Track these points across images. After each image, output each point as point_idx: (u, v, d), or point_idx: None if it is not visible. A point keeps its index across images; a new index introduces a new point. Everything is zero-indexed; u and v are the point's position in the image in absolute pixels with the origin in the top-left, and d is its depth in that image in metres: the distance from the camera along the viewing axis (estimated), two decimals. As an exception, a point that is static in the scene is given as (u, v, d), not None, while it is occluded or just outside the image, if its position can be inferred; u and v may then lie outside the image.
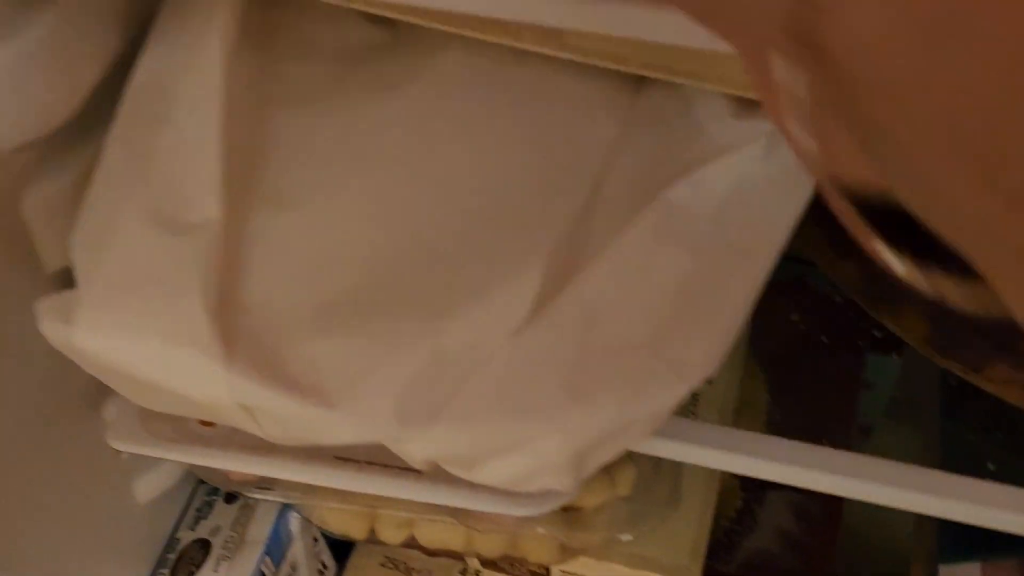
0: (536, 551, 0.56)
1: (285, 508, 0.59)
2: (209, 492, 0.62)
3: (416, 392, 0.34)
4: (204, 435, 0.44)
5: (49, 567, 0.49)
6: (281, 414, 0.35)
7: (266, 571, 0.58)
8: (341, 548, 0.65)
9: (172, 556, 0.59)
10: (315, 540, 0.63)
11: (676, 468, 0.51)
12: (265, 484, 0.50)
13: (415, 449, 0.35)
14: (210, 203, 0.37)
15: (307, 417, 0.34)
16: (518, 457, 0.35)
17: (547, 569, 0.58)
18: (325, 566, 0.64)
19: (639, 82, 0.40)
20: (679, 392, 0.35)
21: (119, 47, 0.45)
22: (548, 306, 0.35)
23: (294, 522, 0.60)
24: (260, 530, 0.59)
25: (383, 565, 0.64)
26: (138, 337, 0.35)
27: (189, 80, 0.40)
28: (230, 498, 0.61)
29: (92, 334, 0.35)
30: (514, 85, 0.41)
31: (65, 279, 0.46)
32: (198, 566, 0.58)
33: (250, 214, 0.38)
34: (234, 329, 0.35)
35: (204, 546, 0.59)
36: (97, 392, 0.50)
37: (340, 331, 0.35)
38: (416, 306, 0.35)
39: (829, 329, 0.63)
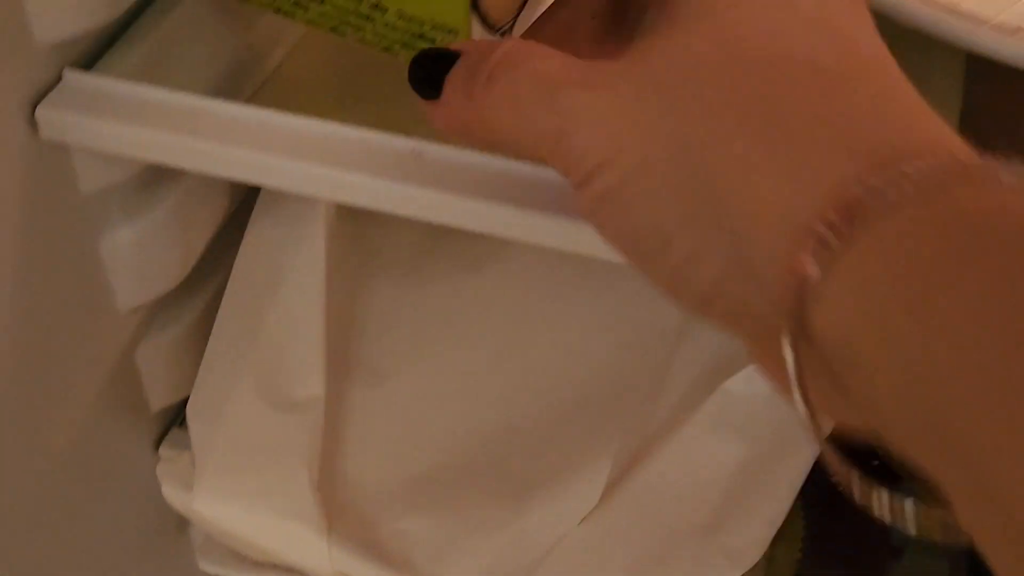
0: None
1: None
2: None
3: (497, 570, 0.38)
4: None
5: None
6: (374, 583, 0.39)
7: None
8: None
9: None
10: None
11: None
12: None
13: (494, 620, 0.39)
14: (314, 380, 0.41)
15: (399, 587, 0.39)
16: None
17: None
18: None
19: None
20: (732, 576, 0.39)
21: (229, 209, 0.49)
22: (615, 492, 0.40)
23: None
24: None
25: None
26: (251, 508, 0.39)
27: (295, 253, 0.44)
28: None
29: (209, 502, 0.40)
30: (585, 270, 0.45)
31: (166, 415, 0.50)
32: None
33: (347, 389, 0.42)
34: (335, 503, 0.39)
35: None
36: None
37: (429, 508, 0.40)
38: (499, 488, 0.40)
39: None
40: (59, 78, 0.39)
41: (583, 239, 0.35)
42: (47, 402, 0.42)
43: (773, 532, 0.40)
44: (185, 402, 0.53)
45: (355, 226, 0.45)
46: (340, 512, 0.39)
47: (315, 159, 0.36)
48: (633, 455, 0.40)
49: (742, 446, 0.41)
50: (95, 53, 0.40)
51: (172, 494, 0.40)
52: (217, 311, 0.50)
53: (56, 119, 0.38)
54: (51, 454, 0.44)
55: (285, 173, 0.37)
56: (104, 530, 0.49)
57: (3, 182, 0.37)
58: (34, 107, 0.38)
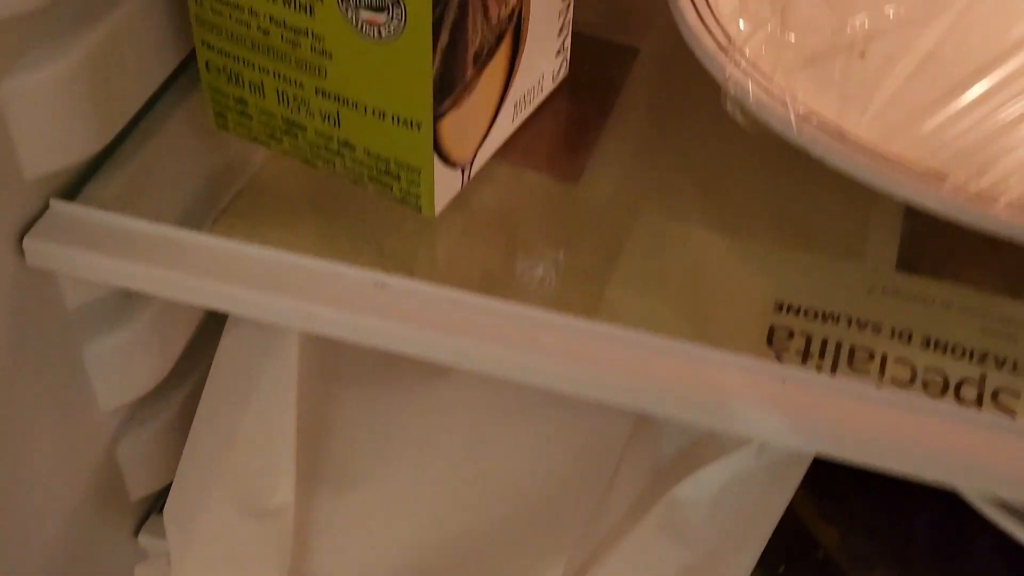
0: None
1: None
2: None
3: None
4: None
5: None
6: None
7: None
8: None
9: None
10: None
11: None
12: None
13: None
14: (286, 489, 0.43)
15: None
16: None
17: None
18: None
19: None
20: None
21: (205, 312, 0.52)
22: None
23: None
24: None
25: None
26: (225, 616, 0.42)
27: (268, 364, 0.46)
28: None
29: (186, 610, 0.42)
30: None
31: (145, 503, 0.53)
32: None
33: (316, 494, 0.45)
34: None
35: None
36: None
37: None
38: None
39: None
40: (44, 207, 0.41)
41: (546, 371, 0.38)
42: (31, 498, 0.45)
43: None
44: (164, 490, 0.55)
45: (319, 342, 0.48)
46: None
47: (283, 291, 0.39)
48: (584, 562, 0.43)
49: (685, 551, 0.43)
50: (78, 180, 0.43)
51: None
52: (194, 403, 0.53)
53: (42, 249, 0.40)
54: (34, 547, 0.46)
55: (257, 305, 0.39)
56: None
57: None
58: (21, 236, 0.40)
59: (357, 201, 0.43)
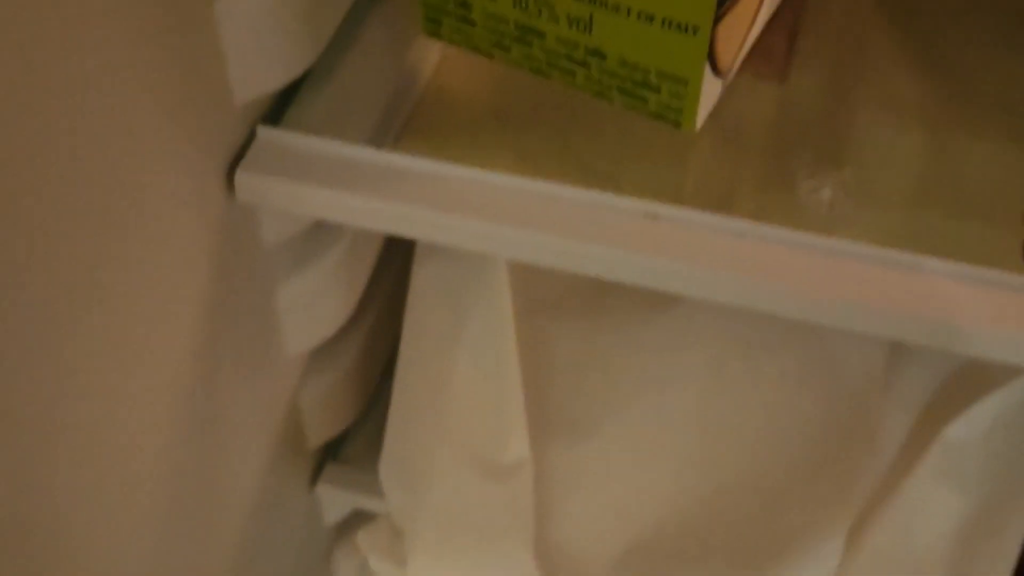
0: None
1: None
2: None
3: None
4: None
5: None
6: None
7: None
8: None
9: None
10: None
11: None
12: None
13: None
14: (520, 441, 0.39)
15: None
16: None
17: None
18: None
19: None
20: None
21: (380, 252, 0.47)
22: (850, 557, 0.38)
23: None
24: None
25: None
26: (472, 584, 0.38)
27: (478, 297, 0.41)
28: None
29: (427, 576, 0.38)
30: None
31: (318, 454, 0.49)
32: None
33: (548, 446, 0.40)
34: (552, 572, 0.38)
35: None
36: (331, 546, 0.53)
37: (652, 578, 0.38)
38: (727, 556, 0.38)
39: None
40: (250, 137, 0.36)
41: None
42: (222, 447, 0.41)
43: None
44: (337, 438, 0.51)
45: (526, 269, 0.43)
46: (559, 582, 0.38)
47: (538, 226, 0.34)
48: (859, 515, 0.38)
49: (964, 499, 0.39)
50: (278, 107, 0.37)
51: (382, 569, 0.38)
52: (371, 345, 0.48)
53: (253, 183, 0.35)
54: (227, 496, 0.42)
55: (495, 238, 0.34)
56: (263, 566, 0.48)
57: (199, 244, 0.35)
58: (229, 170, 0.35)
59: (543, 111, 0.38)
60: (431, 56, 0.40)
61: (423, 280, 0.43)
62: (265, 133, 0.36)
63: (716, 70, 0.35)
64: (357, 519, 0.50)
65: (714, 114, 0.37)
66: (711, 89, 0.36)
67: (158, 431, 0.35)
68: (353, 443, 0.51)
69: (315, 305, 0.43)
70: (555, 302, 0.43)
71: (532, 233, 0.34)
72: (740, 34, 0.36)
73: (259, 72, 0.34)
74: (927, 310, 0.32)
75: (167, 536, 0.38)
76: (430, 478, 0.38)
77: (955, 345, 0.33)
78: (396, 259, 0.48)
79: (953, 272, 0.33)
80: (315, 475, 0.50)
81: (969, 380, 0.41)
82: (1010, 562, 0.39)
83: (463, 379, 0.40)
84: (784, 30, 0.42)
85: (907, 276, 0.33)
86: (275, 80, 0.35)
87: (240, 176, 0.35)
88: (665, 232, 0.34)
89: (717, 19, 0.33)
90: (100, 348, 0.31)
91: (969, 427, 0.40)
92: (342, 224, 0.37)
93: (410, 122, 0.39)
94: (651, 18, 0.34)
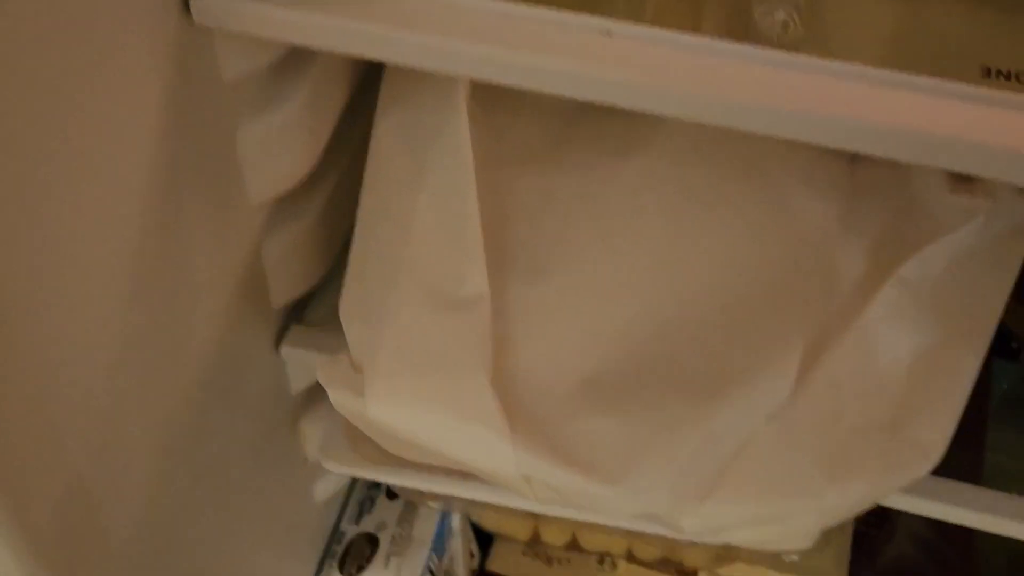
0: (692, 556, 0.59)
1: (447, 506, 0.63)
2: (370, 487, 0.65)
3: (689, 472, 0.37)
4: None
5: (235, 558, 0.52)
6: (560, 486, 0.38)
7: (432, 566, 0.61)
8: (482, 535, 0.69)
9: (339, 548, 0.63)
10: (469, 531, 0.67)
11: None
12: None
13: (686, 523, 0.38)
14: (478, 277, 0.39)
15: (587, 492, 0.37)
16: (773, 527, 0.38)
17: (695, 571, 0.61)
18: (472, 554, 0.68)
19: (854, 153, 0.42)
20: (923, 469, 0.38)
21: (348, 99, 0.47)
22: (801, 388, 0.38)
23: (455, 520, 0.63)
24: (426, 528, 0.62)
25: (524, 554, 0.67)
26: (430, 413, 0.38)
27: (440, 144, 0.41)
28: (392, 494, 0.64)
29: (386, 409, 0.38)
30: (739, 156, 0.43)
31: (281, 315, 0.48)
32: (367, 560, 0.61)
33: (507, 285, 0.40)
34: (511, 405, 0.38)
35: (371, 541, 0.62)
36: (297, 414, 0.53)
37: (612, 409, 0.38)
38: (684, 387, 0.38)
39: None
40: (208, -43, 0.36)
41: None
42: (182, 299, 0.41)
43: (956, 421, 0.39)
44: (301, 300, 0.51)
45: (485, 113, 0.43)
46: (518, 414, 0.38)
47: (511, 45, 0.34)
48: (813, 350, 0.39)
49: (915, 337, 0.39)
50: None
51: (342, 399, 0.38)
52: (336, 202, 0.48)
53: (210, 2, 0.35)
54: (183, 353, 0.42)
55: (472, 58, 0.34)
56: (226, 429, 0.48)
57: (155, 70, 0.34)
58: (185, -11, 0.35)
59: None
60: None
61: (385, 130, 0.43)
62: (222, -47, 0.36)
63: None
64: (323, 390, 0.50)
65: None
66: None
67: (117, 258, 0.35)
68: (318, 309, 0.51)
69: (277, 151, 0.43)
70: (516, 156, 0.43)
71: (492, 49, 0.34)
72: None
73: None
74: (889, 119, 0.32)
75: (125, 367, 0.38)
76: (388, 310, 0.39)
77: (917, 155, 0.33)
78: (361, 120, 0.48)
79: (914, 84, 0.33)
80: (280, 338, 0.50)
81: (923, 225, 0.41)
82: (961, 400, 0.40)
83: (423, 221, 0.41)
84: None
85: (868, 88, 0.33)
86: None
87: (196, -5, 0.35)
88: (619, 46, 0.34)
89: None
90: (54, 172, 0.31)
91: (923, 268, 0.41)
92: (303, 48, 0.37)
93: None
94: None
